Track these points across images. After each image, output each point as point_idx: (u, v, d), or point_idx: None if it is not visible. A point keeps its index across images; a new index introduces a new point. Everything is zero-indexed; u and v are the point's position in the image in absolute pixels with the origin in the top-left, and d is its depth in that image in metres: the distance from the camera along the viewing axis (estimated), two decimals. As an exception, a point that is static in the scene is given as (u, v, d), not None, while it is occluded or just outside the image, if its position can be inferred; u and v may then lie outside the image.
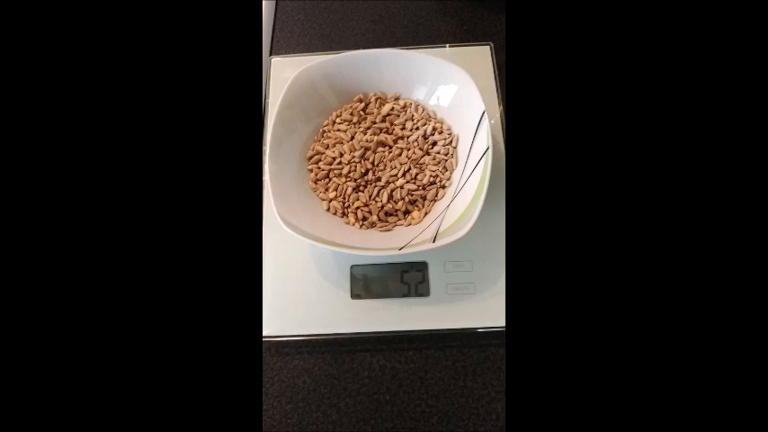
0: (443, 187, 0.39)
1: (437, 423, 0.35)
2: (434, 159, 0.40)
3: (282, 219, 0.34)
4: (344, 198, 0.39)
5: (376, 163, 0.40)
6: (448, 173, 0.39)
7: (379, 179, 0.39)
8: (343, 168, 0.40)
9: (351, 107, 0.42)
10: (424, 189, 0.39)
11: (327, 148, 0.41)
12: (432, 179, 0.39)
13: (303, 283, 0.38)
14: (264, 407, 0.36)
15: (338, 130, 0.41)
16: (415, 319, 0.37)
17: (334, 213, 0.39)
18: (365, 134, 0.41)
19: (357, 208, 0.39)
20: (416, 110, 0.42)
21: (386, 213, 0.39)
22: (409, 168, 0.40)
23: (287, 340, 0.38)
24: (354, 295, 0.38)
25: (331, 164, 0.40)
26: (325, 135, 0.42)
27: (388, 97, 0.43)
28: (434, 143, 0.40)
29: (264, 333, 0.37)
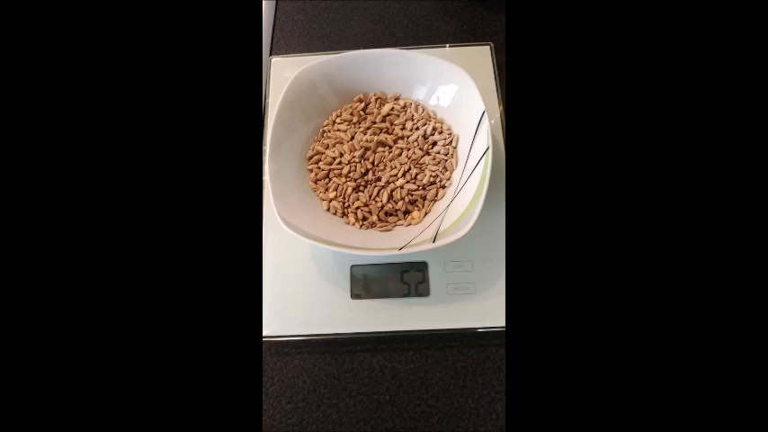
0: (443, 187, 0.39)
1: (437, 423, 0.35)
2: (434, 159, 0.40)
3: (282, 219, 0.34)
4: (344, 198, 0.39)
5: (376, 163, 0.40)
6: (448, 173, 0.39)
7: (379, 179, 0.39)
8: (343, 168, 0.40)
9: (351, 107, 0.42)
10: (424, 189, 0.39)
11: (327, 148, 0.41)
12: (432, 179, 0.39)
13: (303, 283, 0.38)
14: (264, 407, 0.36)
15: (338, 130, 0.41)
16: (415, 319, 0.37)
17: (334, 213, 0.39)
18: (365, 134, 0.41)
19: (357, 208, 0.39)
20: (416, 110, 0.42)
21: (386, 213, 0.39)
22: (409, 168, 0.40)
23: (287, 340, 0.38)
24: (354, 295, 0.38)
25: (331, 164, 0.40)
26: (325, 135, 0.42)
27: (388, 97, 0.43)
28: (434, 143, 0.40)
29: (264, 333, 0.37)
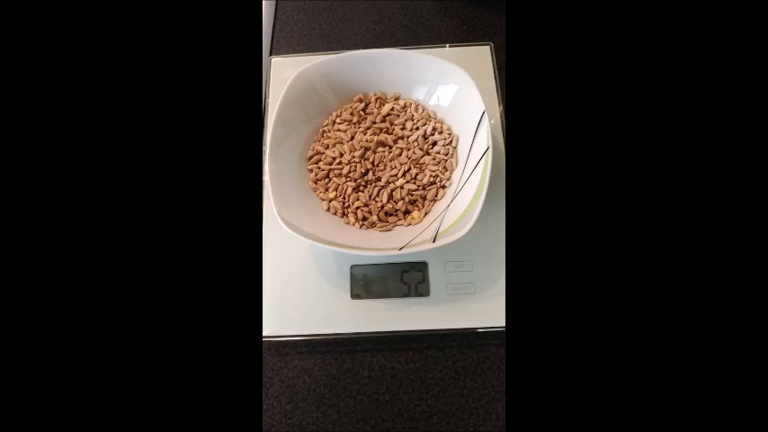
0: (443, 187, 0.39)
1: (437, 423, 0.35)
2: (434, 159, 0.40)
3: (282, 219, 0.34)
4: (344, 198, 0.39)
5: (376, 163, 0.40)
6: (448, 173, 0.39)
7: (379, 179, 0.39)
8: (343, 168, 0.40)
9: (351, 107, 0.42)
10: (424, 189, 0.39)
11: (327, 148, 0.41)
12: (432, 179, 0.39)
13: (303, 283, 0.38)
14: (264, 407, 0.36)
15: (338, 130, 0.41)
16: (415, 319, 0.37)
17: (334, 213, 0.39)
18: (365, 134, 0.41)
19: (357, 208, 0.39)
20: (416, 110, 0.42)
21: (386, 213, 0.39)
22: (409, 168, 0.40)
23: (287, 340, 0.38)
24: (354, 295, 0.38)
25: (331, 164, 0.40)
26: (325, 135, 0.42)
27: (388, 97, 0.43)
28: (434, 143, 0.40)
29: (264, 333, 0.37)
